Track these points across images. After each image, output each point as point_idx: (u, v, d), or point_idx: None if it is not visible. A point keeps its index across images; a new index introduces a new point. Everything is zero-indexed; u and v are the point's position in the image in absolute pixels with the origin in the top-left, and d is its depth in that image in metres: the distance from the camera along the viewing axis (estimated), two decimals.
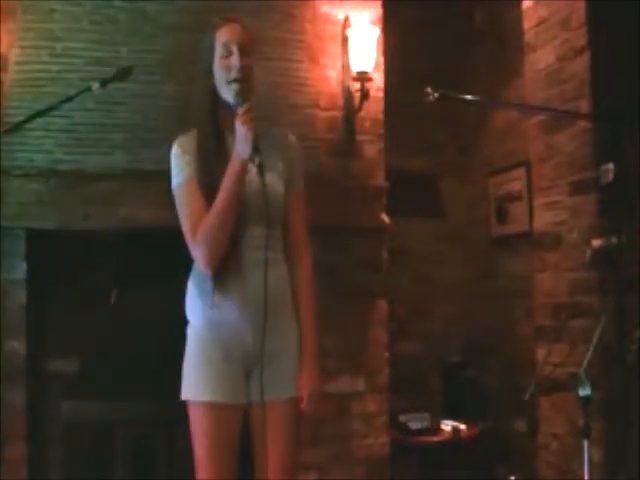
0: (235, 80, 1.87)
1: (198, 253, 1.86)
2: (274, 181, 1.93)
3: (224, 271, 1.86)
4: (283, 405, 1.92)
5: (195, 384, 1.92)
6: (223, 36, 1.91)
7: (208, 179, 1.87)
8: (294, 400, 1.94)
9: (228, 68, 1.89)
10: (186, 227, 1.88)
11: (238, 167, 1.81)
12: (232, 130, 1.85)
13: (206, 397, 1.89)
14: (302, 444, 2.05)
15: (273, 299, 1.86)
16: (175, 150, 1.95)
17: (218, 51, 1.90)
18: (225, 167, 1.84)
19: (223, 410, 1.89)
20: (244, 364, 1.91)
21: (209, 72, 1.92)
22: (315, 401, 1.95)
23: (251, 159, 1.80)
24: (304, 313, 1.98)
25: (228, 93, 1.88)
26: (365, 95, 3.22)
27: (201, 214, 1.85)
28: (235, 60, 1.88)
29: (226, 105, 1.90)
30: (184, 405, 1.94)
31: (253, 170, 1.84)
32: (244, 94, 1.85)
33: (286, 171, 1.98)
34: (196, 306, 1.94)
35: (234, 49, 1.89)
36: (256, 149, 1.79)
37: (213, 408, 1.89)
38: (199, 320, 1.94)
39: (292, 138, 2.07)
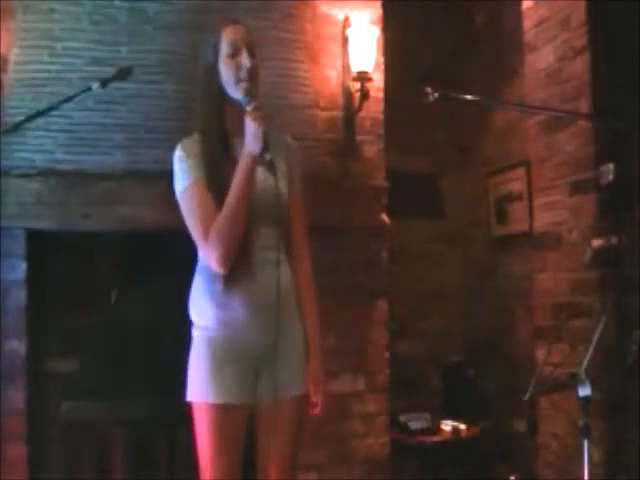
0: (244, 79, 1.87)
1: (213, 254, 1.83)
2: (280, 181, 1.92)
3: (234, 271, 1.85)
4: (289, 404, 1.92)
5: (203, 386, 1.90)
6: (229, 35, 1.90)
7: (216, 180, 1.86)
8: (299, 399, 1.94)
9: (237, 67, 1.88)
10: (198, 230, 1.85)
11: (248, 164, 1.80)
12: (237, 130, 1.85)
13: (214, 399, 1.88)
14: (302, 444, 2.04)
15: (282, 299, 1.88)
16: (179, 154, 1.93)
17: (224, 50, 1.89)
18: (231, 168, 1.84)
19: (230, 411, 1.88)
20: (253, 364, 1.90)
21: (213, 71, 1.91)
22: (325, 402, 1.97)
23: (261, 156, 1.80)
24: (308, 313, 1.99)
25: (236, 92, 1.87)
26: (365, 95, 3.22)
27: (212, 215, 1.83)
28: (244, 59, 1.88)
29: (231, 105, 1.89)
30: (184, 405, 1.94)
31: (261, 169, 1.85)
32: (253, 92, 1.85)
33: (288, 173, 1.98)
34: (204, 307, 1.92)
35: (242, 48, 1.89)
36: (266, 146, 1.79)
37: (220, 410, 1.87)
38: (207, 321, 1.91)
39: (292, 141, 2.08)
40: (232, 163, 1.85)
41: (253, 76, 1.88)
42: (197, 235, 1.86)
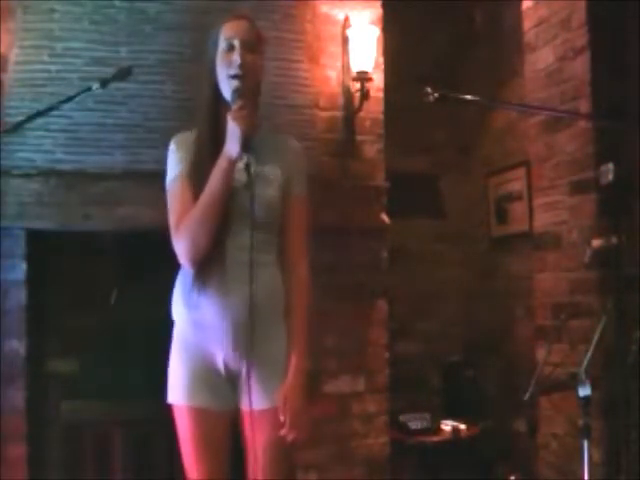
0: (235, 76, 1.85)
1: (179, 247, 1.82)
2: (266, 183, 1.88)
3: (207, 270, 1.81)
4: (269, 413, 1.83)
5: (176, 387, 1.89)
6: (227, 31, 1.89)
7: (199, 176, 1.83)
8: (270, 412, 1.83)
9: (229, 63, 1.86)
10: (171, 222, 1.85)
11: (225, 164, 1.78)
12: None
13: (186, 401, 1.86)
14: (301, 446, 2.01)
15: (257, 302, 1.80)
16: (171, 147, 1.94)
17: (221, 46, 1.88)
18: None
19: (205, 414, 1.85)
20: (227, 368, 1.86)
21: (212, 68, 1.90)
22: (299, 423, 1.81)
23: (239, 157, 1.77)
24: (294, 320, 1.89)
25: (227, 89, 1.86)
26: (365, 95, 3.22)
27: (187, 210, 1.82)
28: (236, 56, 1.86)
29: (225, 102, 1.87)
30: None
31: (242, 169, 1.81)
32: (242, 91, 1.82)
33: (283, 175, 1.92)
34: (178, 307, 1.90)
35: (236, 44, 1.86)
36: (245, 148, 1.75)
37: (194, 412, 1.85)
38: (181, 321, 1.90)
39: (294, 144, 2.02)
40: None
41: (246, 73, 1.85)
42: (171, 227, 1.85)
